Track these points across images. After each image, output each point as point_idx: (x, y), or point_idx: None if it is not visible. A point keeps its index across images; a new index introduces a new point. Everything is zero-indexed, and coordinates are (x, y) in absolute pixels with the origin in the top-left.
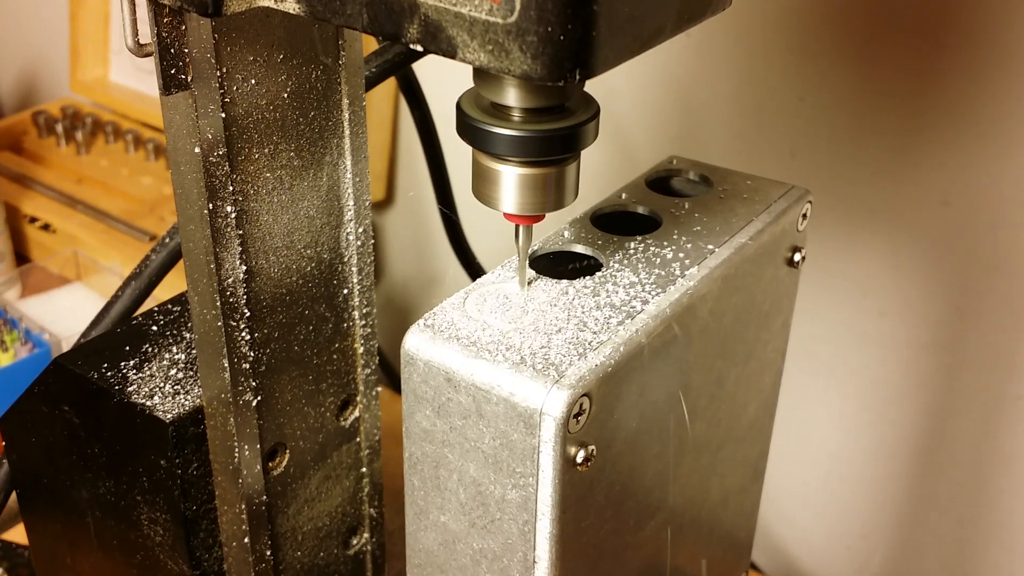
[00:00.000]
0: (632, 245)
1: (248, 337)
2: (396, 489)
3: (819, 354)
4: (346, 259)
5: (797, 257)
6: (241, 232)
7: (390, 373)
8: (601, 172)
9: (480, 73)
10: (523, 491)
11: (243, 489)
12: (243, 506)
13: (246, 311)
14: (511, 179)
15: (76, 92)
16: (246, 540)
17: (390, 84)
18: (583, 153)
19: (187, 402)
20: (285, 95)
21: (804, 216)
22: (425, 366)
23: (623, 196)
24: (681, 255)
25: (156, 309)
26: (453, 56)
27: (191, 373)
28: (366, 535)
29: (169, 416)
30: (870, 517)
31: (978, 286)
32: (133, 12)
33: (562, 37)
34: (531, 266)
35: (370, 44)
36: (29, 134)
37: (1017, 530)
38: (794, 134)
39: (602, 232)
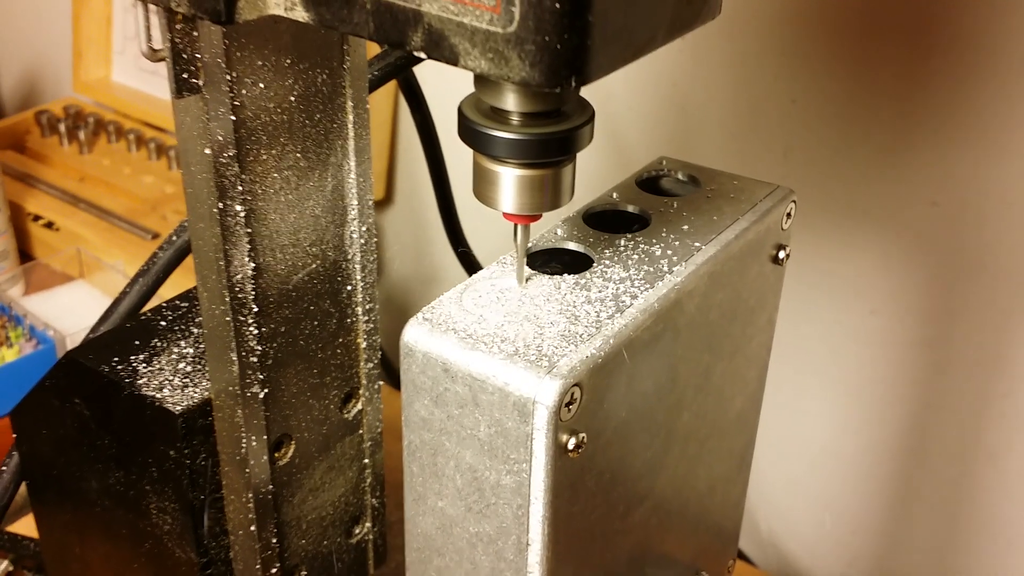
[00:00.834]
0: (622, 242)
1: (256, 331)
2: (396, 482)
3: (812, 352)
4: (349, 256)
5: (782, 255)
6: (250, 230)
7: (389, 370)
8: (597, 172)
9: (480, 79)
10: (517, 476)
11: (250, 479)
12: (250, 495)
13: (254, 307)
14: (510, 180)
15: (79, 92)
16: (252, 528)
17: (390, 85)
18: (582, 153)
19: (195, 394)
20: (292, 98)
21: (788, 215)
22: (423, 357)
23: (614, 195)
24: (669, 252)
25: (164, 305)
26: (455, 63)
27: (199, 367)
28: (368, 524)
29: (178, 408)
30: (860, 512)
31: (965, 285)
32: (147, 19)
33: (558, 46)
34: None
35: (373, 47)
36: (32, 133)
37: (1003, 524)
38: (787, 135)
39: (593, 230)
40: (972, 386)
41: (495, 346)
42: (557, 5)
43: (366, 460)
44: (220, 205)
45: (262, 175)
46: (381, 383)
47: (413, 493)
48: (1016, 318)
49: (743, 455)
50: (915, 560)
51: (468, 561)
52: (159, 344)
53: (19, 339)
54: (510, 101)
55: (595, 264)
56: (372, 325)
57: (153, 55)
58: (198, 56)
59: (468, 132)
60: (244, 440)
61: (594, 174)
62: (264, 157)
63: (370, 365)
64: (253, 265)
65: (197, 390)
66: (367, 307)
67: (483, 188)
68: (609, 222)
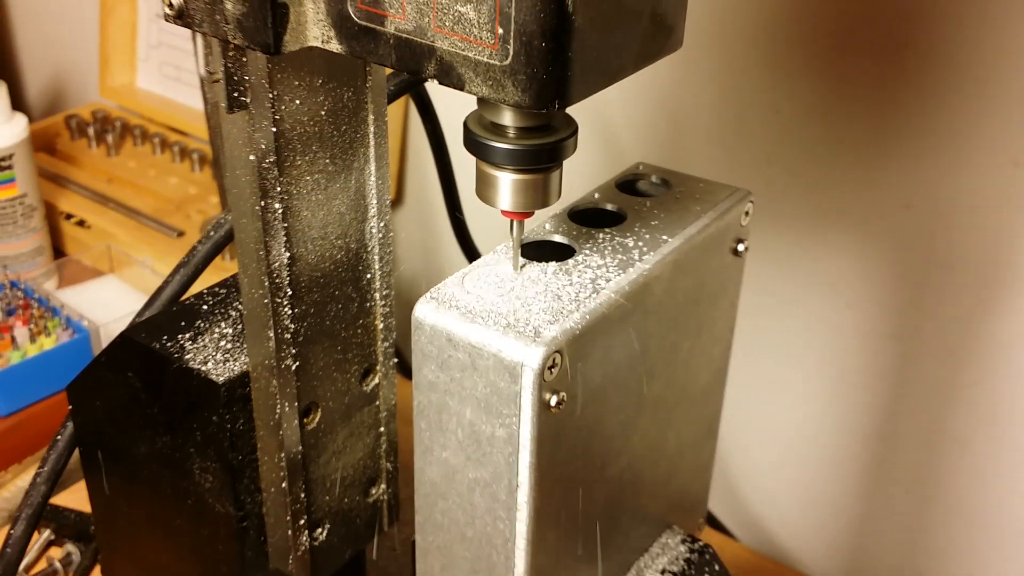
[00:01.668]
0: (601, 236)
1: (289, 312)
2: (406, 463)
3: (792, 344)
4: (369, 249)
5: (741, 247)
6: (286, 225)
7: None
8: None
9: (482, 100)
10: (508, 429)
11: (282, 441)
12: (282, 456)
13: (288, 290)
14: (507, 183)
15: (105, 97)
16: (284, 485)
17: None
18: (580, 157)
19: (235, 367)
20: (323, 113)
21: (747, 213)
22: (431, 329)
23: (596, 195)
24: (640, 244)
25: (205, 292)
26: (462, 88)
27: (238, 344)
28: (383, 486)
29: (221, 379)
30: (837, 494)
31: (935, 282)
32: (207, 46)
33: (544, 76)
34: None
35: None
36: (62, 136)
37: (971, 505)
38: (770, 143)
39: (576, 225)
40: (940, 376)
41: (491, 320)
42: (543, 44)
43: (382, 428)
44: (262, 203)
45: (297, 178)
46: (396, 360)
47: (421, 446)
48: (981, 313)
49: (710, 424)
50: (889, 539)
51: (467, 503)
52: (202, 325)
53: (56, 328)
54: (506, 118)
55: (577, 254)
56: (388, 309)
57: (209, 77)
58: (246, 78)
59: (472, 143)
60: (278, 407)
61: (589, 175)
62: (299, 162)
63: (386, 344)
64: (288, 255)
65: (237, 364)
66: (384, 293)
67: (484, 190)
68: (591, 218)
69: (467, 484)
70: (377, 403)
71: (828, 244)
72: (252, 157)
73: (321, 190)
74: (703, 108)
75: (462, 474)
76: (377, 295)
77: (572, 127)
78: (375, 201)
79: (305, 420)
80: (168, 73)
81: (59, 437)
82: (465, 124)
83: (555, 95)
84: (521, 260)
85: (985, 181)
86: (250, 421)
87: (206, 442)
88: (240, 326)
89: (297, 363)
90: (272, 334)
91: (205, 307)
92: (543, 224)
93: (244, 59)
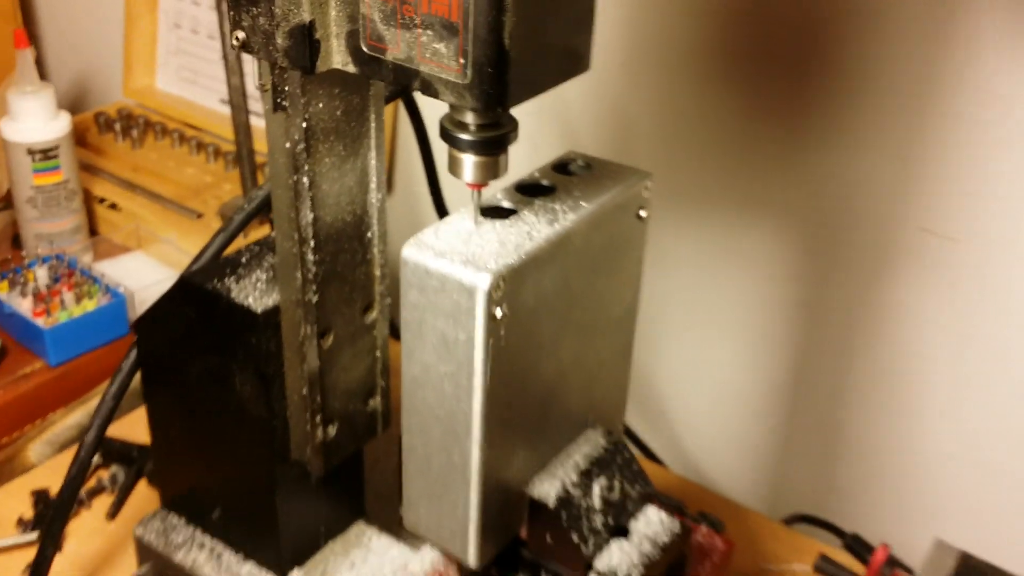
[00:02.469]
0: (536, 202)
1: (312, 258)
2: (395, 389)
3: (723, 311)
4: (370, 214)
5: (643, 214)
6: (311, 194)
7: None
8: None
9: (451, 106)
10: (467, 333)
11: (304, 358)
12: (303, 369)
13: (311, 243)
14: (469, 163)
15: (127, 96)
16: (304, 392)
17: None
18: (546, 149)
19: (269, 302)
20: (338, 113)
21: (647, 187)
22: (414, 264)
23: (536, 174)
24: (565, 208)
25: (243, 249)
26: (437, 98)
27: (272, 285)
28: (378, 398)
29: (259, 310)
30: (759, 436)
31: (836, 258)
32: (259, 64)
33: (491, 90)
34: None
35: None
36: (91, 131)
37: (867, 443)
38: (702, 143)
39: (519, 195)
40: (842, 336)
41: (456, 257)
42: (490, 70)
43: (377, 353)
44: (294, 178)
45: (319, 160)
46: (389, 300)
47: (406, 350)
48: (873, 283)
49: (624, 350)
50: (802, 474)
51: (439, 390)
52: (242, 271)
53: (96, 293)
54: (468, 118)
55: (518, 214)
56: (383, 260)
57: (261, 87)
58: (286, 89)
59: (445, 135)
60: (301, 331)
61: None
62: (320, 149)
63: (381, 288)
64: (312, 216)
65: (270, 299)
66: (380, 248)
67: (454, 168)
68: (531, 190)
69: (438, 376)
70: (374, 333)
71: (751, 226)
72: (288, 145)
73: (336, 169)
74: (647, 112)
75: (435, 369)
76: (375, 249)
77: (514, 124)
78: (375, 179)
79: (321, 342)
80: (185, 76)
81: (125, 361)
82: (440, 122)
83: (498, 103)
84: (479, 219)
85: (875, 172)
86: (280, 342)
87: (246, 360)
88: (271, 273)
89: (316, 298)
90: (299, 275)
91: (243, 260)
92: (496, 194)
93: (286, 75)
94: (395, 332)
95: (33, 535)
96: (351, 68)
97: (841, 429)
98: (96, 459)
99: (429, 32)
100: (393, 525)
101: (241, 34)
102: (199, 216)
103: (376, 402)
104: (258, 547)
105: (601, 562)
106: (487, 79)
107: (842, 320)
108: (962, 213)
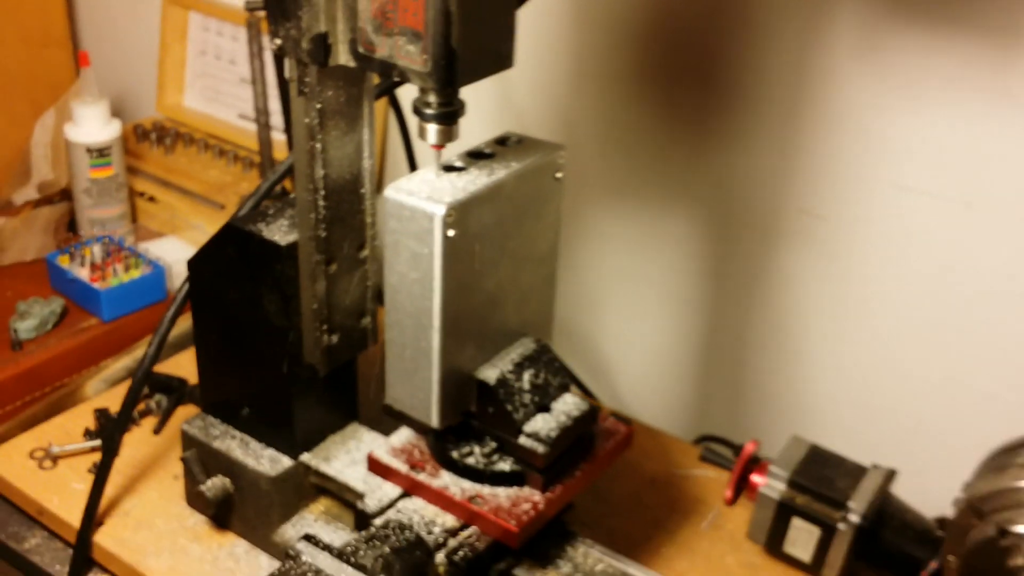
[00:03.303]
0: (480, 162)
1: (322, 204)
2: (381, 321)
3: (654, 279)
4: (364, 175)
5: (559, 175)
6: (322, 157)
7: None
8: None
9: (420, 89)
10: (429, 248)
11: (315, 280)
12: (315, 289)
13: (322, 192)
14: (432, 130)
15: (160, 112)
16: (315, 307)
17: (382, 108)
18: (494, 130)
19: (290, 238)
20: (342, 100)
21: (561, 156)
22: (393, 200)
23: (482, 145)
24: (501, 167)
25: (268, 204)
26: (409, 82)
27: (292, 227)
28: (368, 319)
29: (283, 244)
30: (683, 375)
31: (739, 236)
32: (290, 62)
33: (443, 77)
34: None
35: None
36: (131, 140)
37: (761, 380)
38: (628, 142)
39: (469, 158)
40: (744, 296)
41: (422, 196)
42: (444, 63)
43: (368, 282)
44: (310, 144)
45: (328, 132)
46: (378, 242)
47: (387, 264)
48: (765, 255)
49: (548, 279)
50: (717, 404)
51: (410, 293)
52: (270, 219)
53: (140, 265)
54: (430, 98)
55: (467, 170)
56: (374, 210)
57: (290, 79)
58: (307, 79)
59: (415, 110)
60: (314, 259)
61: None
62: (329, 125)
63: (371, 232)
64: (323, 172)
65: (291, 236)
66: (371, 201)
67: (422, 134)
68: (477, 155)
69: (409, 282)
70: (365, 267)
71: (671, 214)
72: (307, 120)
73: (339, 140)
74: (587, 114)
75: (407, 277)
76: (367, 201)
77: (462, 105)
78: (367, 150)
79: (327, 268)
80: (208, 95)
81: (179, 292)
82: (412, 103)
83: (448, 84)
84: (439, 172)
85: (761, 166)
86: (297, 270)
87: (272, 283)
88: (291, 220)
89: (324, 235)
90: (312, 216)
91: (270, 212)
92: (452, 157)
93: (307, 70)
94: (380, 298)
95: (96, 442)
96: (352, 63)
97: (742, 369)
98: (144, 388)
99: (403, 38)
100: (380, 428)
101: (279, 41)
102: (222, 207)
103: (367, 321)
104: (277, 437)
105: (528, 427)
106: (441, 69)
107: (742, 285)
108: (829, 196)
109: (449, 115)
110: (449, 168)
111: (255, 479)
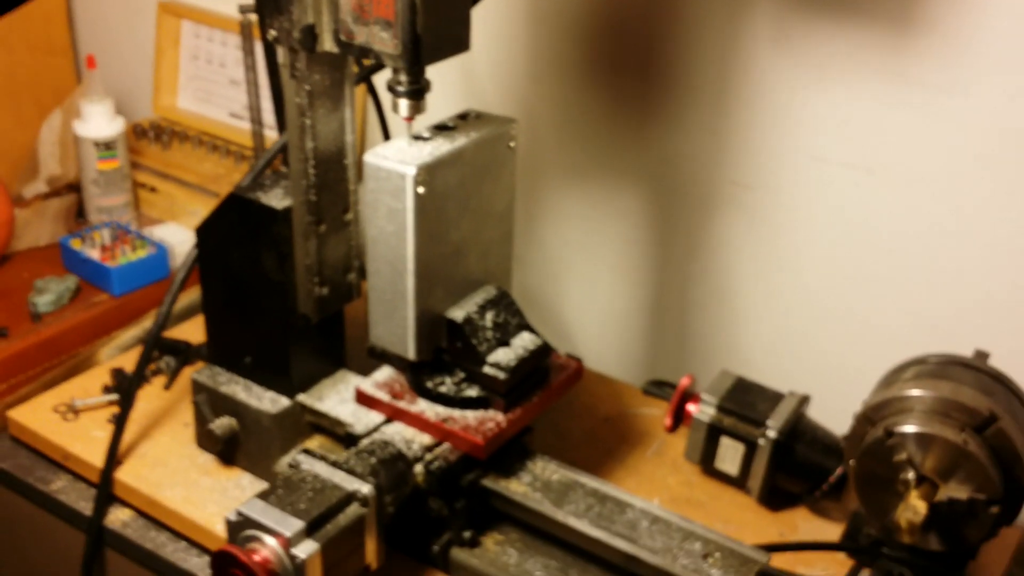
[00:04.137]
0: (444, 132)
1: (312, 172)
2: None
3: (607, 248)
4: (347, 149)
5: (512, 144)
6: (312, 131)
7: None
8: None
9: (393, 69)
10: (403, 204)
11: (307, 239)
12: (308, 246)
13: (312, 161)
14: (404, 105)
15: (157, 112)
16: (307, 262)
17: (361, 93)
18: (458, 109)
19: (286, 203)
20: (327, 82)
21: (514, 127)
22: (372, 164)
23: (446, 120)
24: (463, 137)
25: (266, 175)
26: (384, 64)
27: (288, 193)
28: (353, 275)
29: (279, 208)
30: (631, 332)
31: (679, 208)
32: (284, 50)
33: (411, 58)
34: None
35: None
36: (130, 138)
37: (703, 334)
38: (585, 126)
39: (435, 130)
40: (685, 263)
41: (396, 159)
42: (411, 47)
43: (352, 242)
44: (301, 120)
45: (316, 110)
46: (360, 207)
47: (366, 219)
48: (703, 224)
49: (506, 236)
50: (660, 355)
51: (387, 243)
52: (267, 186)
53: (145, 247)
54: (401, 76)
55: (433, 139)
56: (356, 179)
57: (282, 66)
58: (297, 64)
59: (390, 88)
60: (307, 220)
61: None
62: (316, 104)
63: (354, 199)
64: (312, 145)
65: (286, 201)
66: (353, 171)
67: (395, 108)
68: (442, 128)
69: (387, 234)
70: (350, 228)
71: (621, 190)
72: (298, 100)
73: (326, 118)
74: (544, 104)
75: (384, 230)
76: (350, 171)
77: (428, 83)
78: (349, 126)
79: (318, 228)
80: (201, 96)
81: (188, 260)
82: (387, 83)
83: (415, 64)
84: (410, 141)
85: (697, 144)
86: (292, 230)
87: (270, 243)
88: (285, 189)
89: (315, 199)
90: (304, 182)
91: (267, 182)
92: (421, 128)
93: (298, 55)
94: (362, 272)
95: (114, 396)
96: (335, 50)
97: (687, 325)
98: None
99: (378, 27)
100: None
101: (273, 32)
102: (217, 196)
103: (352, 277)
104: (276, 381)
105: (491, 359)
106: (409, 52)
107: (683, 252)
108: (755, 169)
109: (417, 91)
110: (418, 138)
111: (258, 417)
